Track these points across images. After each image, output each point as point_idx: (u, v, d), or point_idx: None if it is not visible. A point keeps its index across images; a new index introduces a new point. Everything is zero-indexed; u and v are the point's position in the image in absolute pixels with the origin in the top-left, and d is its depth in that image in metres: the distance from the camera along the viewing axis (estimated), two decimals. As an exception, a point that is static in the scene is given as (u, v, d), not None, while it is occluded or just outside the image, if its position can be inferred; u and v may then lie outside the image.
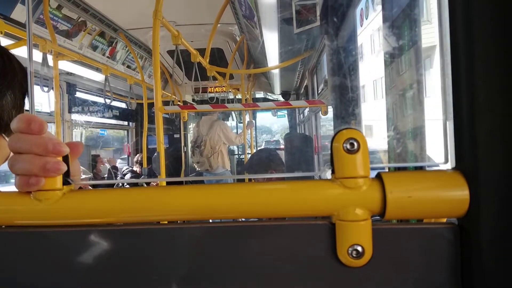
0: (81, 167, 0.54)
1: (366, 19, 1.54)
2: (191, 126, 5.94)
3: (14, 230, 0.38)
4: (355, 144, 0.34)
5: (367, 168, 0.35)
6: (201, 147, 4.17)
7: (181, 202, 0.37)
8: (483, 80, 0.33)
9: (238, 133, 4.75)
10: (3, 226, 0.38)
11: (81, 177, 0.50)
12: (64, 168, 0.37)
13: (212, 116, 4.27)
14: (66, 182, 0.38)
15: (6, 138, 0.61)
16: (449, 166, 0.37)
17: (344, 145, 0.35)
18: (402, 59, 0.81)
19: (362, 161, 0.35)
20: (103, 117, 4.09)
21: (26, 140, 0.36)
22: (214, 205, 0.37)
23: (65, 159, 0.37)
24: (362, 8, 1.57)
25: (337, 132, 0.35)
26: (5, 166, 0.48)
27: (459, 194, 0.34)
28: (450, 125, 0.36)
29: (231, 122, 6.82)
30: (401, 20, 0.80)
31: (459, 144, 0.35)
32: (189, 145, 5.35)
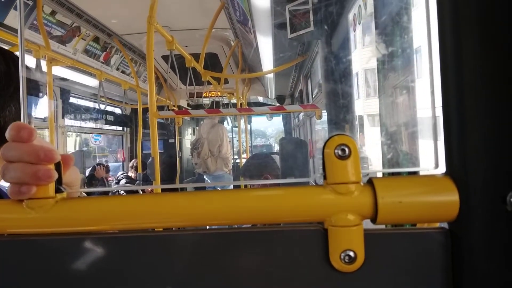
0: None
1: (359, 24, 1.56)
2: (187, 131, 5.93)
3: (6, 239, 0.37)
4: (346, 150, 0.35)
5: (358, 174, 0.35)
6: (199, 149, 4.18)
7: (175, 209, 0.37)
8: (472, 87, 0.33)
9: (233, 137, 4.76)
10: None
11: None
12: (56, 175, 0.36)
13: (213, 120, 4.30)
14: (58, 190, 0.37)
15: None
16: (439, 171, 0.37)
17: (336, 151, 0.35)
18: (393, 65, 0.82)
19: (354, 167, 0.35)
20: (98, 119, 4.05)
21: (17, 149, 0.36)
22: (209, 212, 0.37)
23: (57, 166, 0.37)
24: (354, 14, 1.59)
25: (329, 138, 0.36)
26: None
27: (449, 199, 0.34)
28: (440, 131, 0.37)
29: (226, 126, 6.80)
30: (392, 27, 0.81)
31: (449, 149, 0.36)
32: (184, 150, 5.35)
